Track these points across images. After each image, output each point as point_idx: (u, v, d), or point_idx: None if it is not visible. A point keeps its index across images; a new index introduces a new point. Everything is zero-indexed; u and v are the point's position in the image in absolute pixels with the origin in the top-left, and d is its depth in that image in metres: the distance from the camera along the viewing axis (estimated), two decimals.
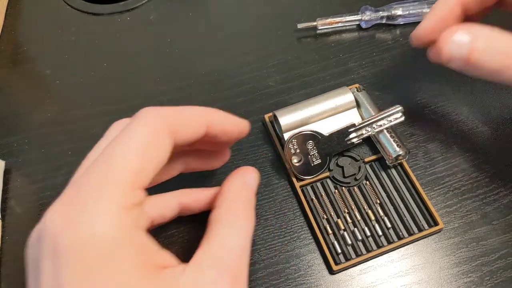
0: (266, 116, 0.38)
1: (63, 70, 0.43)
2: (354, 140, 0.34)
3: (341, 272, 0.32)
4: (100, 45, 0.45)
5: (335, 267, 0.31)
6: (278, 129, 0.36)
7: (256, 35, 0.44)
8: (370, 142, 0.36)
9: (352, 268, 0.32)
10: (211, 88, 0.41)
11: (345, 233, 0.32)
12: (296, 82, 0.41)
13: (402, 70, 0.41)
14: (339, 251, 0.32)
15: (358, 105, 0.36)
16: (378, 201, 0.34)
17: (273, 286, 0.31)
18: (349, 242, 0.32)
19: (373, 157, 0.35)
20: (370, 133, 0.34)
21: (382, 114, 0.34)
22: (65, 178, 0.36)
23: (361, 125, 0.34)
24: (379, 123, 0.34)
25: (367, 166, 0.35)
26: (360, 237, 0.32)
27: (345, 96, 0.36)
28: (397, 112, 0.34)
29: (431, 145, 0.37)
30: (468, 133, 0.37)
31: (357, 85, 0.38)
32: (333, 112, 0.35)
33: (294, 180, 0.34)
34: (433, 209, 0.33)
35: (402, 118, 0.34)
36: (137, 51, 0.44)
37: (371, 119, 0.34)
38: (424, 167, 0.36)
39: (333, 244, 0.32)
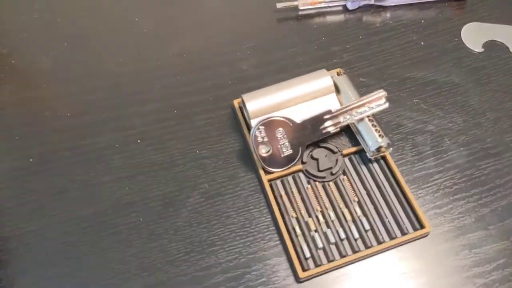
0: (235, 102, 0.34)
1: (21, 49, 0.39)
2: (331, 129, 0.30)
3: (310, 280, 0.27)
4: (62, 24, 0.41)
5: (302, 274, 0.27)
6: (247, 115, 0.32)
7: (231, 15, 0.40)
8: (350, 133, 0.32)
9: (322, 276, 0.27)
10: (179, 71, 0.37)
11: (316, 235, 0.28)
12: (273, 66, 0.37)
13: (391, 56, 0.37)
14: (308, 255, 0.27)
15: (338, 91, 0.32)
16: (357, 199, 0.29)
17: None
18: (320, 245, 0.28)
19: (353, 149, 0.31)
20: (348, 121, 0.30)
21: (362, 100, 0.30)
22: (12, 164, 0.33)
23: (339, 112, 0.30)
24: (359, 110, 0.30)
25: (346, 160, 0.31)
26: (333, 240, 0.28)
27: (323, 80, 0.31)
28: (379, 97, 0.29)
29: (420, 138, 0.32)
30: (462, 125, 0.33)
31: (338, 69, 0.34)
32: (308, 97, 0.31)
33: (262, 173, 0.30)
34: (419, 210, 0.28)
35: (386, 105, 0.30)
36: (100, 31, 0.40)
37: (350, 105, 0.30)
38: (411, 162, 0.31)
39: (301, 247, 0.28)
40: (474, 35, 0.37)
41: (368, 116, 0.30)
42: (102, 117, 0.35)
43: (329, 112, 0.29)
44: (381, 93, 0.29)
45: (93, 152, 0.33)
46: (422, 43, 0.37)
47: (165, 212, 0.30)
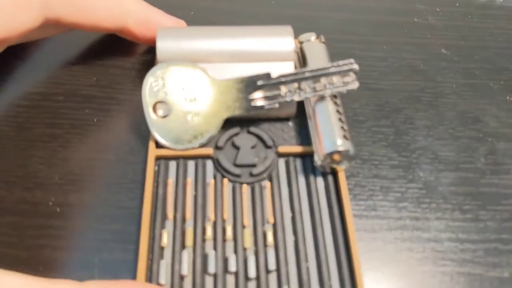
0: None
1: None
2: (262, 103, 0.20)
3: None
4: None
5: None
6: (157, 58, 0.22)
7: None
8: (301, 124, 0.21)
9: None
10: None
11: (185, 254, 0.18)
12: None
13: (491, 37, 0.27)
14: (163, 281, 0.17)
15: (304, 61, 0.22)
16: (272, 221, 0.19)
17: None
18: (185, 271, 0.17)
19: (297, 148, 0.20)
20: (292, 97, 0.19)
21: (318, 71, 0.19)
22: None
23: (280, 80, 0.19)
24: (311, 85, 0.19)
25: (281, 160, 0.21)
26: (212, 269, 0.17)
27: (282, 40, 0.21)
28: (346, 70, 0.19)
29: (503, 145, 0.22)
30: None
31: (317, 36, 0.24)
32: (252, 57, 0.21)
33: (152, 144, 0.20)
34: (357, 269, 0.18)
35: (355, 85, 0.19)
36: None
37: (298, 72, 0.19)
38: (481, 171, 0.21)
39: (158, 266, 0.18)
40: None
41: (335, 100, 0.20)
42: None
43: (267, 76, 0.19)
44: (350, 64, 0.19)
45: None
46: None
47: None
